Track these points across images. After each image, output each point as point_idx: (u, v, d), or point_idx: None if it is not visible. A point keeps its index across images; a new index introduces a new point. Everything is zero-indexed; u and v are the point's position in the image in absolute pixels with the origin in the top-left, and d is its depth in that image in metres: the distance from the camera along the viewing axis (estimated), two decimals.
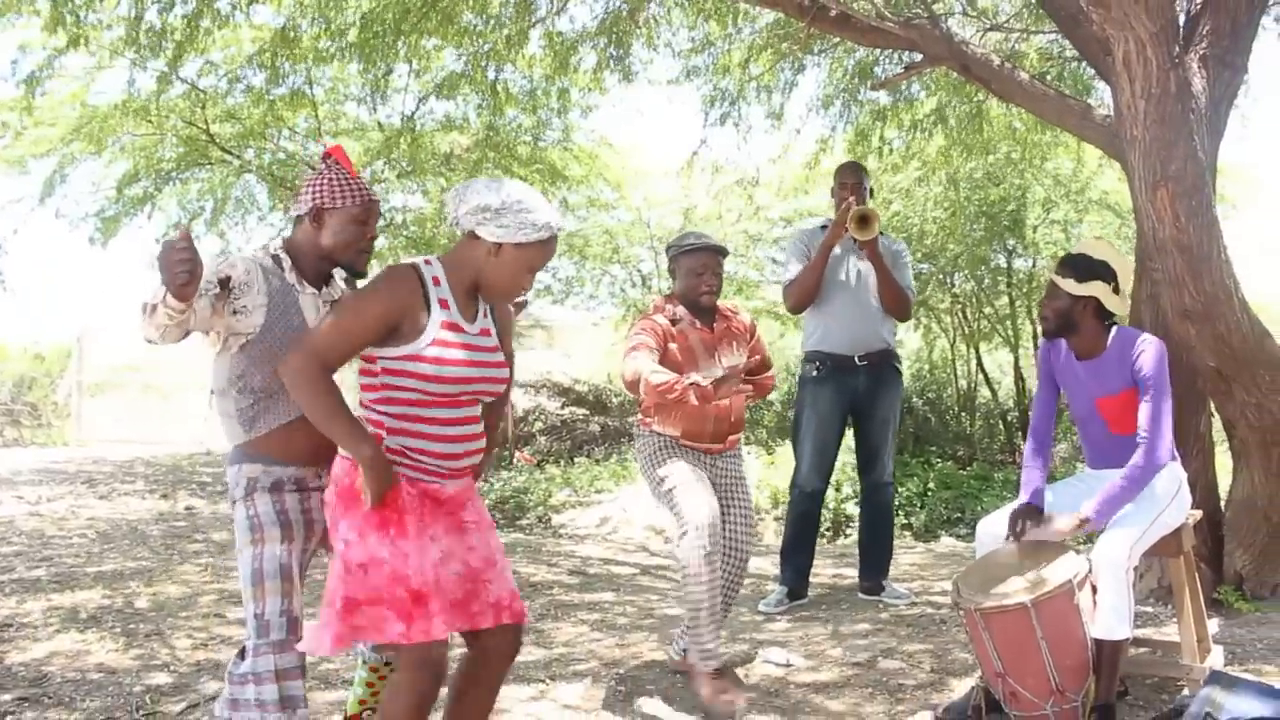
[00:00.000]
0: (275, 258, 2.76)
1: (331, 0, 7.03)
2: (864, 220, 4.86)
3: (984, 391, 12.02)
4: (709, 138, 8.67)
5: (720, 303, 4.08)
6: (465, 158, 9.96)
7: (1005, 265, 11.05)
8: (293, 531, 2.68)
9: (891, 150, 8.39)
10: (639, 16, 7.60)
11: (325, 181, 2.74)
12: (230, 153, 10.62)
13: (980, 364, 11.94)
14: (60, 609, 5.03)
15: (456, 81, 7.97)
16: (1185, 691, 3.23)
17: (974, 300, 11.57)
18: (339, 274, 2.91)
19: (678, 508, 3.74)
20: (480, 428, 2.64)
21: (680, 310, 3.98)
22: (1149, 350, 3.35)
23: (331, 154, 2.80)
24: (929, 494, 9.22)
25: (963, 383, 12.25)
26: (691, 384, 3.64)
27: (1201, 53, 4.46)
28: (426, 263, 2.57)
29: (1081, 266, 3.39)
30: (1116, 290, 3.38)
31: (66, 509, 8.59)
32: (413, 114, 9.49)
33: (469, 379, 2.53)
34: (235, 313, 2.63)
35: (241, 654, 2.64)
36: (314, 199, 2.74)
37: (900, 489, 9.18)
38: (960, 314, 11.78)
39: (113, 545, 6.84)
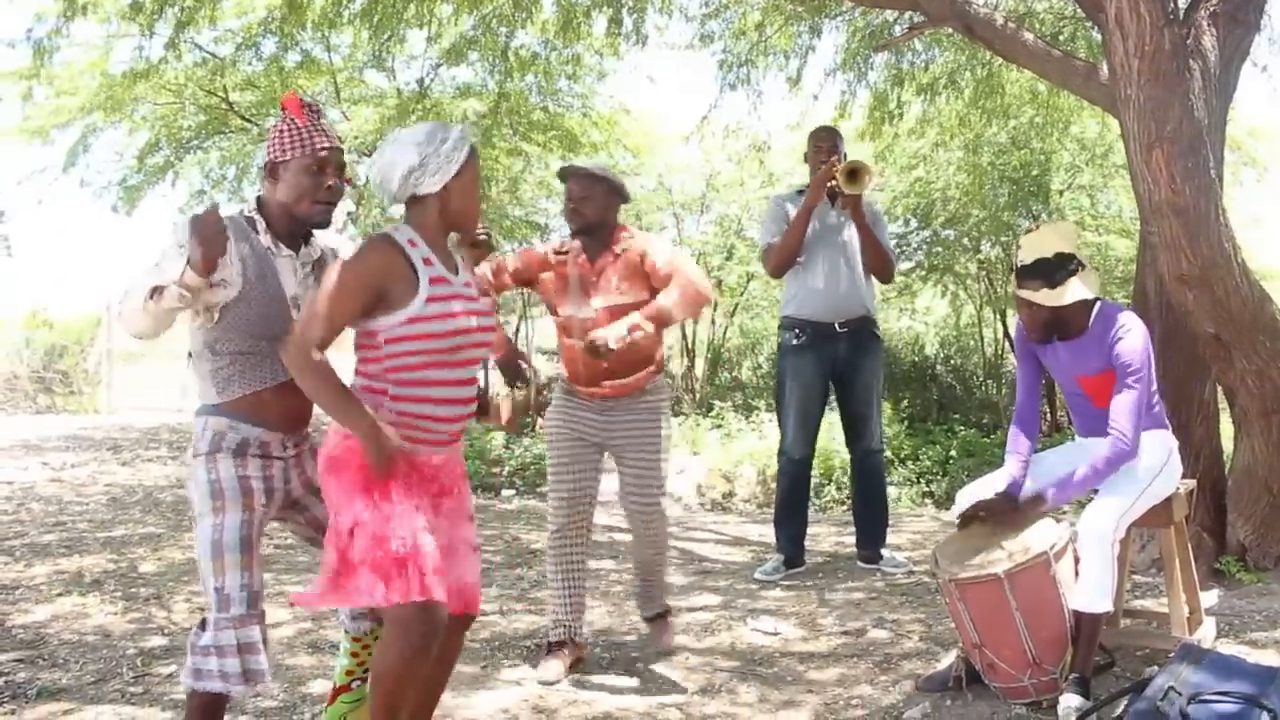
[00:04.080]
0: (250, 220, 2.72)
1: None
2: (853, 174, 4.74)
3: (1010, 359, 11.86)
4: (727, 103, 8.60)
5: (639, 234, 3.73)
6: (480, 124, 9.90)
7: None
8: (254, 500, 2.64)
9: (902, 115, 8.22)
10: None
11: (276, 134, 2.69)
12: (250, 120, 10.64)
13: (1006, 331, 11.79)
14: (66, 573, 5.11)
15: (465, 46, 7.89)
16: (1155, 666, 3.17)
17: (1000, 266, 11.40)
18: (322, 235, 2.88)
19: (551, 487, 3.79)
20: (474, 390, 2.67)
21: (577, 241, 3.72)
22: (1128, 336, 3.23)
23: (285, 105, 2.73)
24: (951, 461, 9.13)
25: (989, 349, 12.10)
26: None
27: (1212, 9, 4.33)
28: (395, 230, 2.56)
29: (1046, 271, 3.21)
30: (1084, 267, 3.26)
31: (88, 475, 8.71)
32: (427, 80, 9.47)
33: (468, 329, 2.54)
34: (213, 285, 2.59)
35: (203, 624, 2.62)
36: (269, 153, 2.70)
37: (923, 456, 9.10)
38: (986, 280, 11.62)
39: (125, 511, 6.93)
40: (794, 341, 5.02)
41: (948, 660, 3.56)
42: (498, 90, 9.16)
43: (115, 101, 9.90)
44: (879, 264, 4.98)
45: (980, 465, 9.03)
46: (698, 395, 12.31)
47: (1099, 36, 6.59)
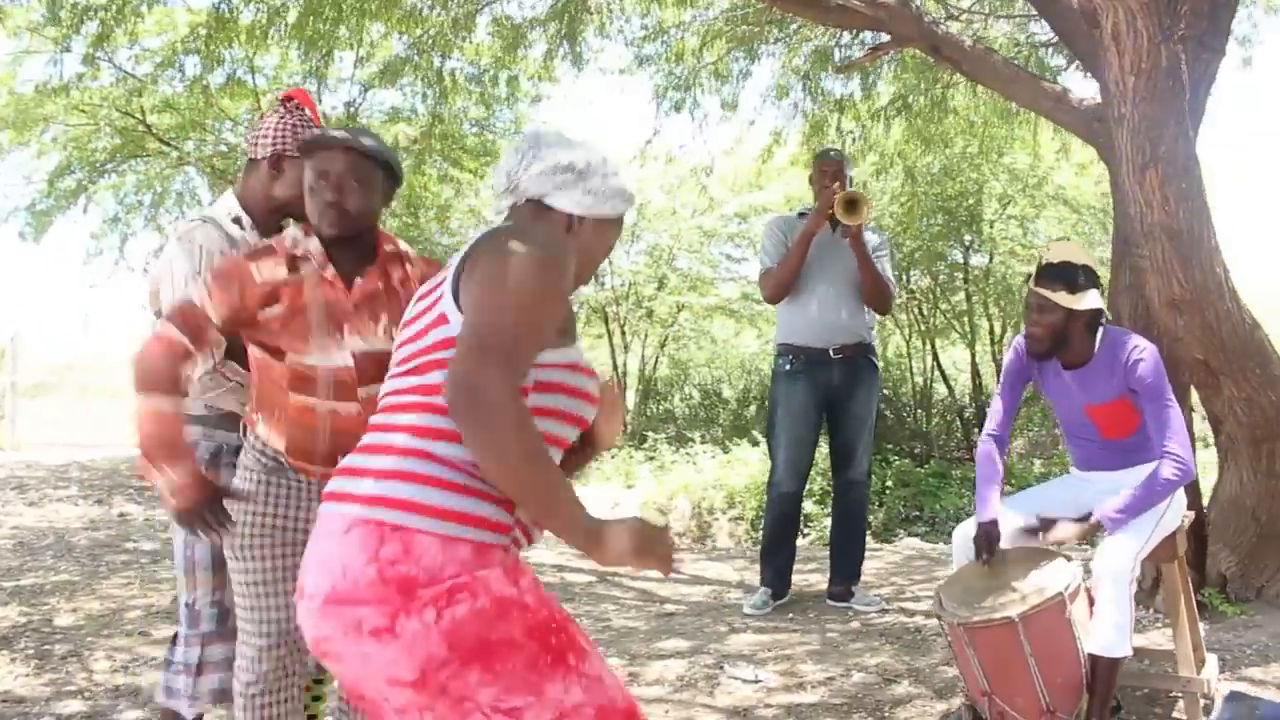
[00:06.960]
0: (237, 220, 2.60)
1: None
2: (851, 204, 4.60)
3: (940, 388, 11.91)
4: (663, 128, 8.48)
5: (405, 245, 2.51)
6: (411, 149, 9.63)
7: (962, 261, 10.95)
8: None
9: (850, 141, 8.16)
10: (590, 2, 7.35)
11: (289, 125, 2.53)
12: (169, 144, 10.19)
13: (937, 360, 11.82)
14: None
15: (399, 68, 7.64)
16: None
17: (930, 296, 11.45)
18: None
19: (243, 616, 2.42)
20: None
21: (312, 244, 2.34)
22: (1146, 359, 3.11)
23: (293, 96, 2.58)
24: (887, 492, 9.09)
25: (919, 379, 12.13)
26: None
27: (1180, 33, 4.28)
28: None
29: (1071, 275, 3.09)
30: (1103, 291, 3.16)
31: None
32: (356, 103, 9.18)
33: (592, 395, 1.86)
34: None
35: (174, 640, 2.62)
36: (275, 143, 2.53)
37: None
38: (916, 310, 11.64)
39: (36, 557, 6.42)
40: (786, 367, 4.86)
41: (942, 708, 3.38)
42: (431, 114, 8.90)
43: (24, 121, 9.41)
44: (875, 294, 4.82)
45: (916, 495, 9.00)
46: (629, 427, 12.09)
47: (1054, 63, 6.63)
